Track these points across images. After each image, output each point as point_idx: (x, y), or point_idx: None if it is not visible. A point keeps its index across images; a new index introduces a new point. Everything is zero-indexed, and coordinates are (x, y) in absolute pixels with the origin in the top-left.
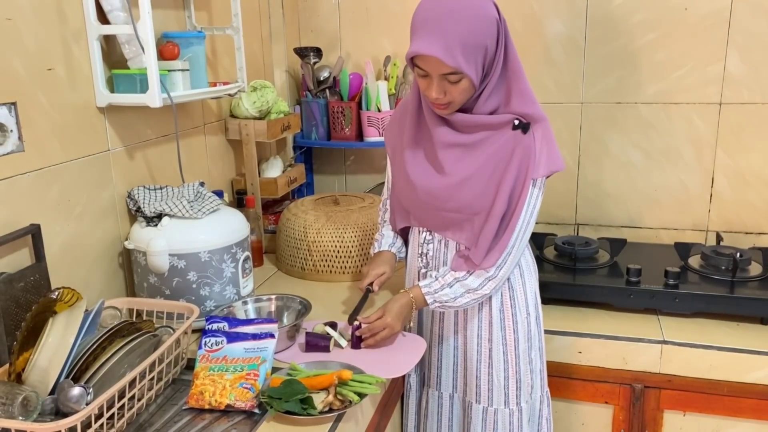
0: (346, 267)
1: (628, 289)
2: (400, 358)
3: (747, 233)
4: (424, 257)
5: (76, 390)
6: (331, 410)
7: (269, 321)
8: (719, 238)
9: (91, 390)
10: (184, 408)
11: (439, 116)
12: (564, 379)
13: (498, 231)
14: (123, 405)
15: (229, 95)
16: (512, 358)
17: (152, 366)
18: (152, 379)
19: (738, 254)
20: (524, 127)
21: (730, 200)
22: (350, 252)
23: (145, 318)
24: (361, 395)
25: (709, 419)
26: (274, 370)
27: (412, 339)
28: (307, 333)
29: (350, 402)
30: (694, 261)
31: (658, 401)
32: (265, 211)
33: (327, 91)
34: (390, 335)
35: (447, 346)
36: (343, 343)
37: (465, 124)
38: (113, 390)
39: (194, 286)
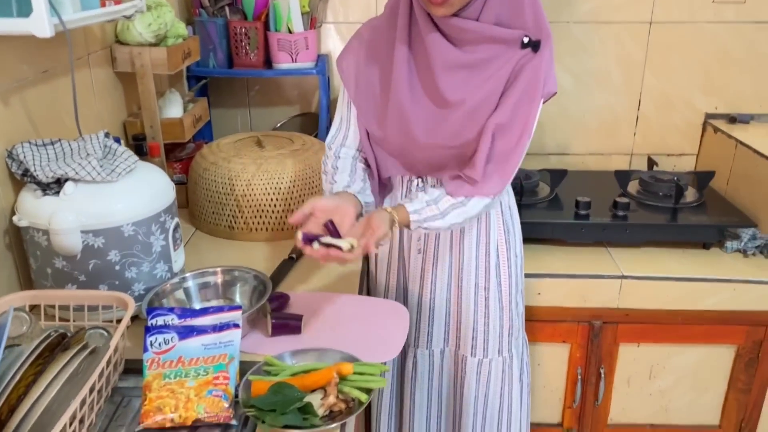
0: (284, 223)
1: (579, 223)
2: (385, 332)
3: (669, 155)
4: None
5: None
6: (331, 413)
7: (232, 308)
8: (652, 163)
9: None
10: (138, 430)
11: (437, 28)
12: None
13: (503, 151)
14: None
15: (126, 17)
16: (506, 305)
17: (91, 388)
18: (92, 403)
19: (677, 179)
20: (535, 45)
21: (655, 123)
22: (289, 205)
23: (57, 314)
24: (368, 392)
25: (661, 348)
26: (243, 367)
27: (392, 307)
28: (272, 312)
29: (355, 401)
30: (632, 188)
31: (615, 336)
32: (167, 158)
33: (227, 8)
34: (373, 241)
35: (439, 301)
36: (345, 245)
37: (467, 35)
38: None
39: (117, 267)
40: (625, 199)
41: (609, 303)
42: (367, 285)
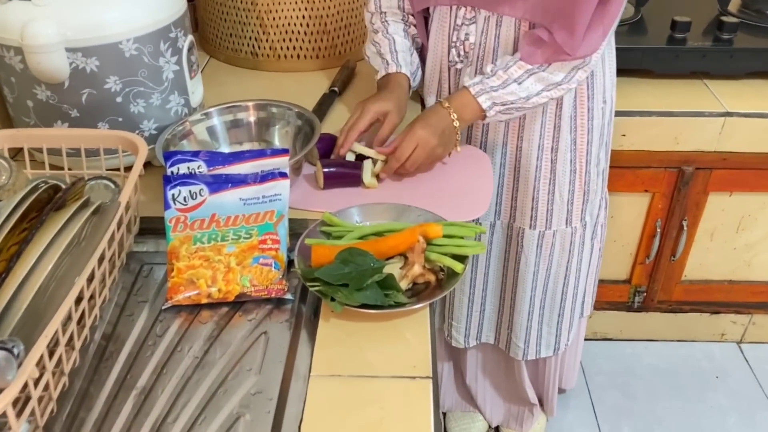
0: (320, 48)
1: (673, 49)
2: (466, 184)
3: None
4: (461, 46)
5: None
6: (414, 286)
7: (276, 152)
8: None
9: (20, 349)
10: (164, 308)
11: None
12: None
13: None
14: (71, 335)
15: None
16: (581, 166)
17: (100, 258)
18: (103, 275)
19: None
20: None
21: None
22: (324, 25)
23: (47, 161)
24: (462, 260)
25: (756, 197)
26: (291, 227)
27: (469, 153)
28: (322, 159)
29: (446, 273)
30: (733, 7)
31: (706, 184)
32: None
33: None
34: (426, 156)
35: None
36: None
37: None
38: (51, 329)
39: (119, 99)
40: (732, 19)
41: (706, 145)
42: None
